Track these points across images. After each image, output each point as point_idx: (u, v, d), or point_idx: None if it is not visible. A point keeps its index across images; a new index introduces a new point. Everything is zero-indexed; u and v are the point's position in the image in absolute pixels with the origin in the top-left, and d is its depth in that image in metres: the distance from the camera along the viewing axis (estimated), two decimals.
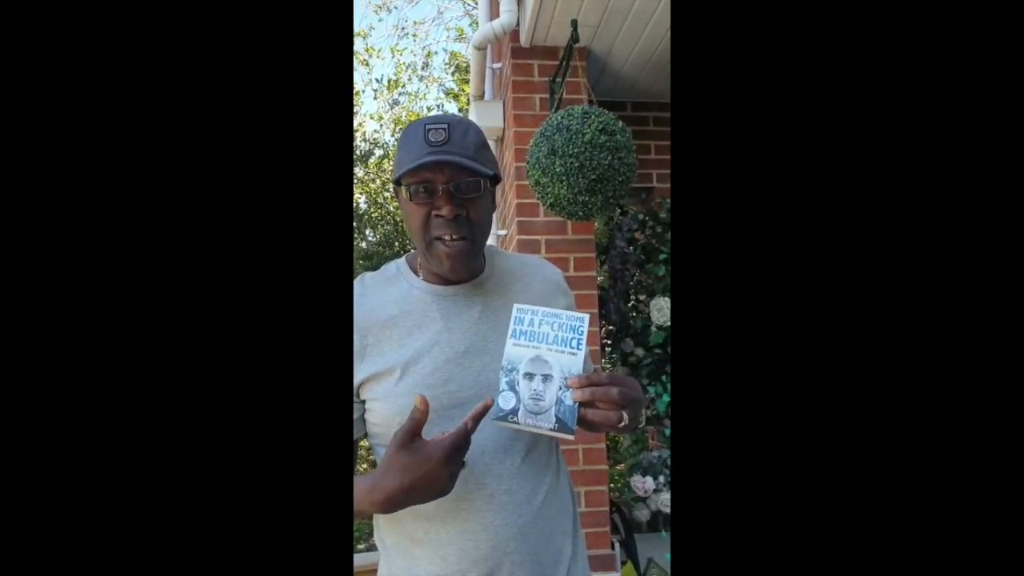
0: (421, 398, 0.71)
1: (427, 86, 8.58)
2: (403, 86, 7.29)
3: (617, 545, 2.07)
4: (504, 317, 0.86)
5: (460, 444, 0.71)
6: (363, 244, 6.15)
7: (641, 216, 2.49)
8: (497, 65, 2.56)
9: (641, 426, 2.36)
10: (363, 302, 0.86)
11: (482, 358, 0.84)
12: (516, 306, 0.80)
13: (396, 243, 6.16)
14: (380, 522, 0.88)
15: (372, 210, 6.40)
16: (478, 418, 0.72)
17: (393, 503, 0.71)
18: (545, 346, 0.77)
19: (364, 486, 0.73)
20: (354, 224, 6.18)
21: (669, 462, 2.20)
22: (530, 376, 0.76)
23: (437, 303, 0.86)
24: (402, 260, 0.92)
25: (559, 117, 1.71)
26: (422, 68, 7.48)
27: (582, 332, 0.77)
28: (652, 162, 2.71)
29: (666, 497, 2.13)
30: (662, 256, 2.43)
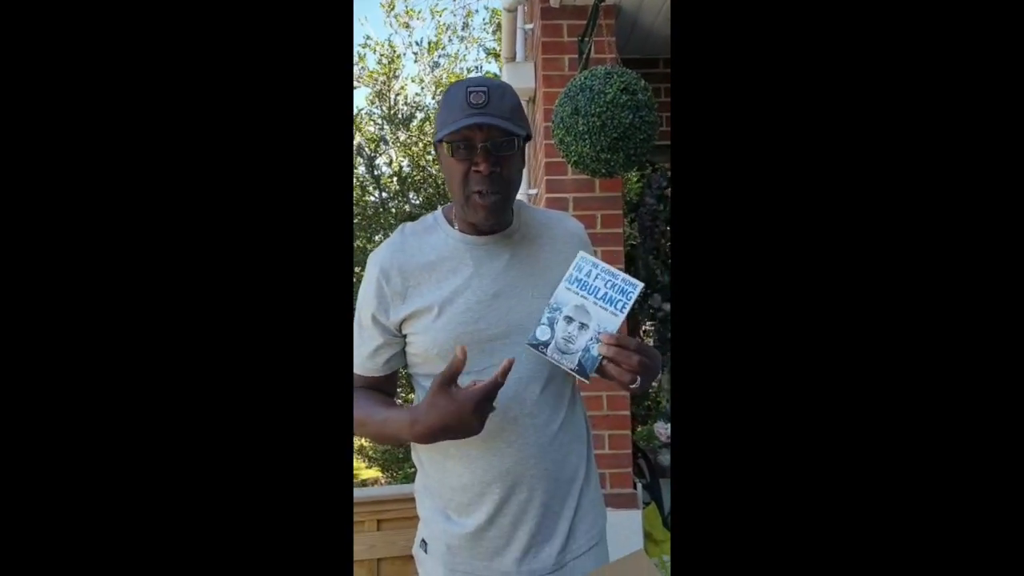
0: (462, 348, 0.81)
1: (467, 47, 8.55)
2: (443, 48, 7.30)
3: (639, 486, 2.20)
4: (529, 264, 0.98)
5: (490, 395, 0.82)
6: (407, 207, 6.31)
7: (671, 173, 2.53)
8: (529, 26, 2.60)
9: (655, 387, 2.46)
10: (405, 248, 0.97)
11: (509, 301, 0.94)
12: (581, 254, 0.88)
13: (438, 206, 6.28)
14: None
15: (415, 173, 6.54)
16: (506, 373, 0.82)
17: (429, 437, 0.84)
18: (593, 299, 0.85)
19: (406, 419, 0.87)
20: (398, 187, 6.35)
21: None
22: (569, 320, 0.85)
23: (470, 251, 0.96)
24: (439, 212, 1.02)
25: (583, 77, 1.77)
26: (462, 28, 7.45)
27: (631, 297, 0.84)
28: None
29: None
30: None
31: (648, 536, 2.17)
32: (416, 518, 1.31)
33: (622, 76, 1.71)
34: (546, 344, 0.86)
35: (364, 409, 0.96)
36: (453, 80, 7.19)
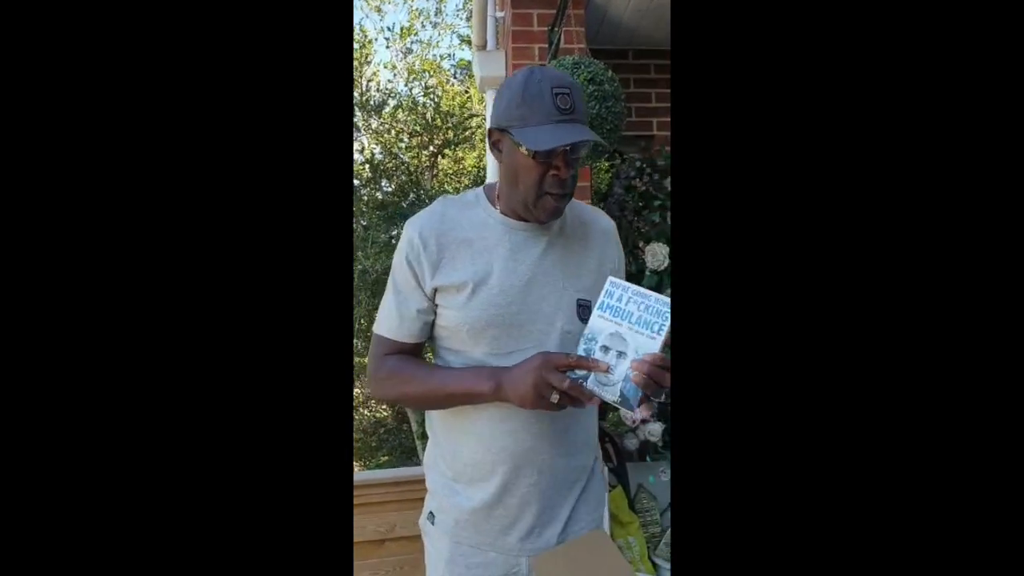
0: (599, 362, 0.83)
1: (440, 33, 8.45)
2: (416, 34, 7.22)
3: (606, 470, 2.26)
4: (563, 256, 0.99)
5: (558, 365, 0.84)
6: (378, 194, 6.25)
7: (639, 163, 2.57)
8: (500, 14, 2.60)
9: None
10: (444, 220, 0.97)
11: (542, 289, 0.95)
12: (610, 279, 0.88)
13: (411, 193, 6.25)
14: (434, 414, 1.05)
15: (387, 160, 6.48)
16: (593, 400, 0.85)
17: (498, 387, 0.88)
18: (627, 324, 0.82)
19: (489, 369, 0.91)
20: (370, 175, 6.28)
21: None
22: (606, 349, 0.83)
23: (509, 235, 0.97)
24: (479, 190, 1.03)
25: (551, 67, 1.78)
26: (435, 14, 7.38)
27: (667, 317, 0.80)
28: (652, 110, 2.75)
29: (653, 427, 2.30)
30: (657, 203, 2.52)
31: (614, 518, 2.23)
32: (387, 503, 1.33)
33: (589, 67, 1.74)
34: (585, 377, 0.83)
35: (421, 369, 0.97)
36: (427, 67, 7.11)
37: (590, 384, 0.83)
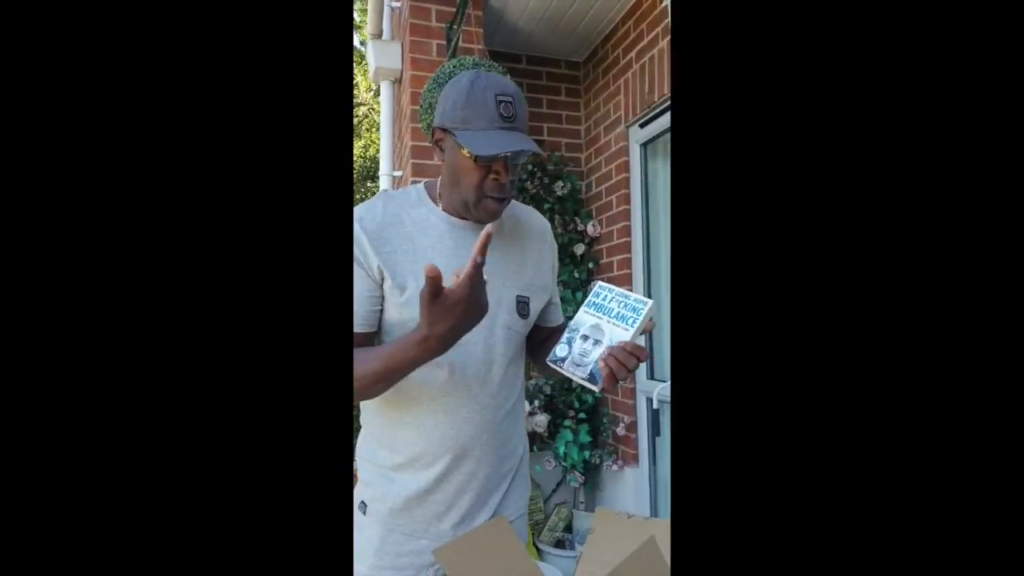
0: (430, 266, 0.78)
1: None
2: None
3: None
4: (503, 254, 1.02)
5: (477, 276, 0.81)
6: None
7: (530, 167, 2.66)
8: (397, 4, 2.57)
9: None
10: (386, 214, 0.97)
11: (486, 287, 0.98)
12: (599, 283, 0.96)
13: None
14: (370, 405, 1.02)
15: None
16: (483, 250, 0.79)
17: (445, 344, 0.83)
18: (607, 318, 0.93)
19: (415, 338, 0.83)
20: None
21: (544, 388, 2.46)
22: (585, 338, 0.93)
23: (451, 232, 0.99)
24: (420, 187, 1.03)
25: (451, 66, 1.80)
26: None
27: (641, 313, 0.91)
28: (544, 115, 2.87)
29: (539, 419, 2.40)
30: (547, 205, 2.63)
31: None
32: None
33: (488, 69, 1.78)
34: (563, 360, 0.94)
35: (361, 353, 0.91)
36: None
37: (566, 366, 0.93)
